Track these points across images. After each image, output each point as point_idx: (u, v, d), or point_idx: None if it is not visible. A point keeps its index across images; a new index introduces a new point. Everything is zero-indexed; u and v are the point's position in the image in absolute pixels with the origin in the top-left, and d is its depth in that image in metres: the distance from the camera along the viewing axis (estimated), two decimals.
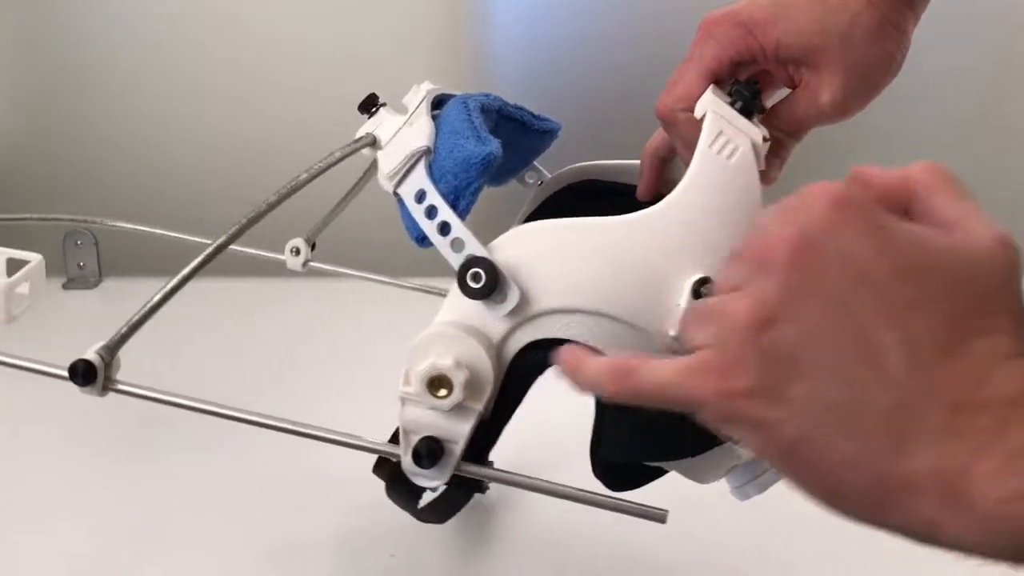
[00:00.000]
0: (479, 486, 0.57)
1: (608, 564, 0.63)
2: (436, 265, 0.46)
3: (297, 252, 0.68)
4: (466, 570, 0.62)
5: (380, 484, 0.51)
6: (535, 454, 0.68)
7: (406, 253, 0.81)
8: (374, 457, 0.49)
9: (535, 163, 0.61)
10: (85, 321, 1.01)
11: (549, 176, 0.61)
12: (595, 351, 0.40)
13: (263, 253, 0.69)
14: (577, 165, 0.60)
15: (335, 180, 0.67)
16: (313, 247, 0.68)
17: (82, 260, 1.15)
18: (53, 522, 0.68)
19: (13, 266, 0.62)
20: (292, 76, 1.11)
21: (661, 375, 0.37)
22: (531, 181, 0.62)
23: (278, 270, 0.76)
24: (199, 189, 1.08)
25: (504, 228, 0.60)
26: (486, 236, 0.45)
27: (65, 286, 1.15)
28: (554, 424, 0.59)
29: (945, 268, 0.34)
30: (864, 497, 0.33)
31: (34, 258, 0.62)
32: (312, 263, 0.68)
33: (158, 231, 0.67)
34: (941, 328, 0.33)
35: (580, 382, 0.39)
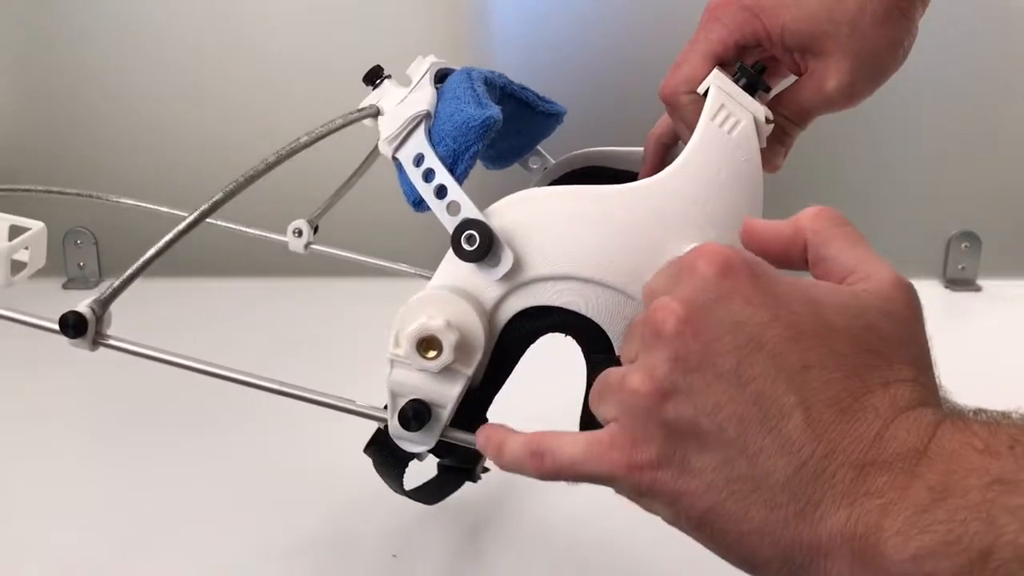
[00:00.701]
0: (470, 474, 0.56)
1: (608, 564, 0.62)
2: (437, 257, 0.46)
3: (299, 234, 0.67)
4: (467, 570, 0.62)
5: (381, 484, 0.51)
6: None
7: (406, 241, 0.81)
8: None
9: (539, 148, 0.61)
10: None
11: (553, 162, 0.61)
12: (511, 431, 0.41)
13: (266, 234, 0.69)
14: (581, 151, 0.60)
15: (339, 164, 0.68)
16: (316, 230, 0.68)
17: (82, 260, 1.15)
18: (48, 515, 0.68)
19: (15, 233, 0.62)
20: (292, 77, 1.12)
21: (572, 452, 0.37)
22: (535, 166, 0.62)
23: (277, 269, 0.77)
24: (199, 190, 1.08)
25: None
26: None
27: (65, 286, 1.15)
28: (544, 399, 0.58)
29: (841, 325, 0.33)
30: (779, 564, 0.33)
31: (36, 225, 0.62)
32: (314, 245, 0.67)
33: (163, 209, 0.67)
34: (839, 386, 0.32)
35: (504, 466, 0.40)
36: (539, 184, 0.61)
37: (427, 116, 0.46)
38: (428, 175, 0.44)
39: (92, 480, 0.73)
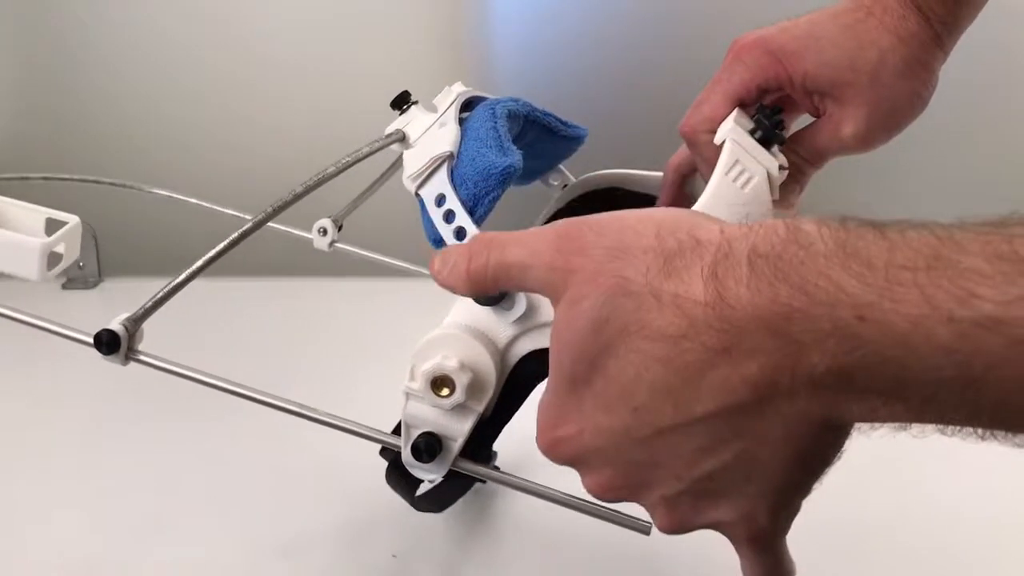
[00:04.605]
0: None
1: (609, 564, 0.63)
2: None
3: (324, 232, 0.69)
4: (467, 569, 0.63)
5: (381, 483, 0.52)
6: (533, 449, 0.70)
7: (426, 244, 0.82)
8: (376, 452, 0.50)
9: (559, 166, 0.63)
10: (85, 321, 0.99)
11: (573, 180, 0.63)
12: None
13: (292, 230, 0.71)
14: (601, 172, 0.61)
15: (364, 164, 0.69)
16: (340, 228, 0.70)
17: (82, 260, 1.15)
18: (55, 511, 0.69)
19: (51, 226, 0.64)
20: (292, 77, 1.12)
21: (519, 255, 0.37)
22: (554, 183, 0.63)
23: (291, 269, 0.78)
24: (199, 190, 1.10)
25: (526, 225, 0.62)
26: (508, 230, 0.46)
27: (65, 286, 1.16)
28: None
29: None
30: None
31: (72, 219, 0.64)
32: (338, 244, 0.69)
33: (193, 200, 0.69)
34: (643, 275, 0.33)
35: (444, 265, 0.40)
36: (559, 201, 0.62)
37: (450, 157, 0.47)
38: (448, 216, 0.46)
39: (92, 477, 0.73)
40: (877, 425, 0.31)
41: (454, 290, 0.40)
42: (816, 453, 0.33)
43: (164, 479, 0.73)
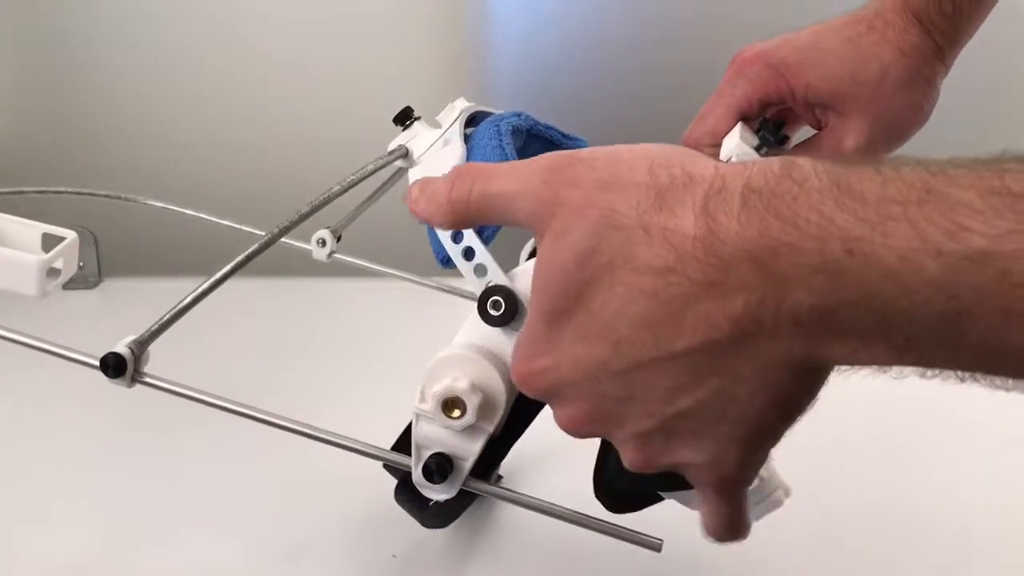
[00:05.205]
0: None
1: (609, 563, 0.63)
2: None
3: (323, 243, 0.69)
4: (467, 570, 0.63)
5: (381, 484, 0.52)
6: (541, 461, 0.69)
7: (427, 251, 0.82)
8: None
9: None
10: (85, 321, 1.00)
11: None
12: None
13: (290, 242, 0.70)
14: None
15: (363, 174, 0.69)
16: (339, 239, 0.70)
17: (82, 260, 1.14)
18: (58, 517, 0.69)
19: (47, 241, 0.64)
20: (291, 78, 1.11)
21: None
22: None
23: (293, 269, 0.78)
24: (198, 192, 1.09)
25: (527, 235, 0.62)
26: (514, 240, 0.46)
27: (65, 286, 1.12)
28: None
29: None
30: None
31: (69, 235, 0.64)
32: (336, 255, 0.69)
33: (197, 214, 0.69)
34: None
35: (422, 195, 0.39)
36: None
37: None
38: (456, 236, 0.46)
39: (92, 480, 0.73)
40: (855, 369, 0.31)
41: (430, 221, 0.39)
42: (791, 396, 0.33)
43: (164, 482, 0.73)
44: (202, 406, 0.66)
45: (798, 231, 0.29)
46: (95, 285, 1.15)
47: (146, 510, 0.69)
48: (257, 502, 0.70)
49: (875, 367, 0.31)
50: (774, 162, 0.31)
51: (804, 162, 0.30)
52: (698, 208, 0.31)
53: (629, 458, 0.37)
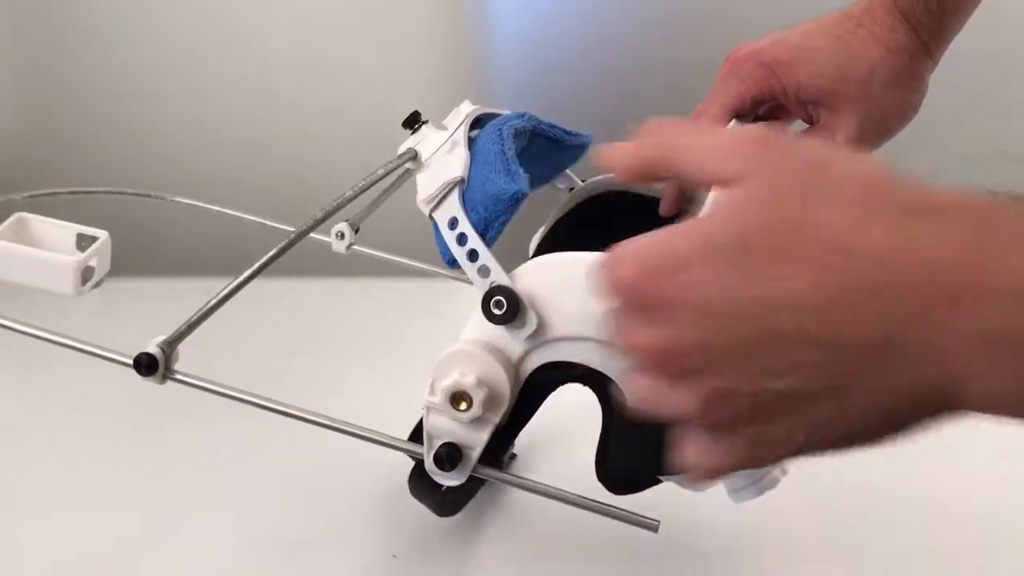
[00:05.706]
0: None
1: (609, 563, 0.64)
2: None
3: (342, 236, 0.72)
4: (467, 569, 0.64)
5: (381, 485, 0.54)
6: (545, 444, 0.72)
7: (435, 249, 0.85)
8: (380, 454, 0.52)
9: (567, 171, 0.65)
10: (93, 324, 0.96)
11: (580, 183, 0.65)
12: None
13: (314, 236, 0.73)
14: (607, 175, 0.64)
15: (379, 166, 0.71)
16: (356, 231, 0.72)
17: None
18: (58, 514, 0.70)
19: (82, 241, 0.67)
20: (292, 78, 1.13)
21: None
22: (562, 186, 0.66)
23: (307, 270, 0.80)
24: (202, 191, 1.11)
25: (537, 225, 0.64)
26: (520, 231, 0.47)
27: None
28: (563, 415, 0.59)
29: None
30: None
31: (102, 234, 0.67)
32: (355, 247, 0.72)
33: (215, 208, 0.72)
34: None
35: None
36: (566, 203, 0.65)
37: (461, 181, 0.50)
38: (461, 239, 0.49)
39: (92, 477, 0.74)
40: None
41: (616, 168, 0.37)
42: (891, 425, 0.32)
43: (164, 479, 0.74)
44: (202, 406, 0.69)
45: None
46: (99, 284, 1.17)
47: (144, 510, 0.70)
48: (257, 500, 0.71)
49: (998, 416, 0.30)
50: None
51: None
52: (905, 211, 0.31)
53: (690, 413, 0.33)
